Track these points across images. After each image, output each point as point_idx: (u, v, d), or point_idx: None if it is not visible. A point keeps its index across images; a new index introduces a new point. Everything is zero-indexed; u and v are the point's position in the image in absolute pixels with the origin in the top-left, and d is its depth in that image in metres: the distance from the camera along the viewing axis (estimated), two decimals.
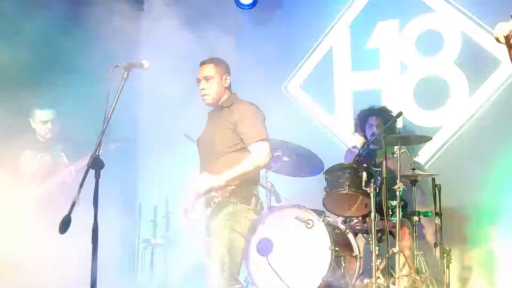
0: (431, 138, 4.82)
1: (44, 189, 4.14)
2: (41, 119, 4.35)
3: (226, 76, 3.71)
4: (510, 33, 2.32)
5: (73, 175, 4.12)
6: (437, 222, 4.63)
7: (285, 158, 4.81)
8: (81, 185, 2.78)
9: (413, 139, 4.78)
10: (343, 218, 4.70)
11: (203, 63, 3.71)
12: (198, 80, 3.67)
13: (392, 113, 4.95)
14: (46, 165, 4.23)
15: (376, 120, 4.98)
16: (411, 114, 5.38)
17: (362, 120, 5.12)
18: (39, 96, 4.42)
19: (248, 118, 3.56)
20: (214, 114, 3.73)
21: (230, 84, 3.74)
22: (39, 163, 4.23)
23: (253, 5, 5.90)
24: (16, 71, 4.50)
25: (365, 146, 4.80)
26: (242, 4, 5.89)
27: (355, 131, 5.24)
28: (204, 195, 3.42)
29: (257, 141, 3.50)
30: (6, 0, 4.71)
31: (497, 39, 2.34)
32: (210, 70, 3.66)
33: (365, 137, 5.07)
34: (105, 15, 4.71)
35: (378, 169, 4.49)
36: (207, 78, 3.64)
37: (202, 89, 3.64)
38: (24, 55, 4.42)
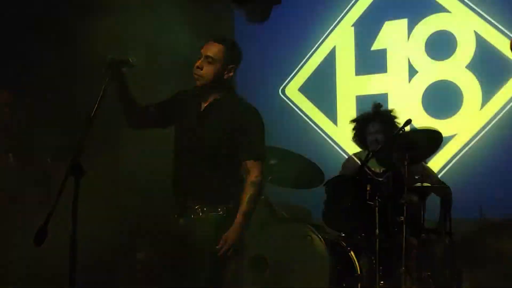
0: (441, 138, 4.75)
1: None
2: None
3: (232, 67, 3.41)
4: None
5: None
6: (447, 241, 4.64)
7: (282, 168, 4.81)
8: (59, 194, 2.76)
9: (421, 146, 4.74)
10: (344, 235, 4.69)
11: (214, 40, 3.41)
12: (200, 56, 3.37)
13: (397, 119, 4.94)
14: None
15: (377, 127, 4.94)
16: (420, 122, 5.38)
17: (362, 125, 5.09)
18: None
19: (254, 129, 3.39)
20: (208, 112, 3.44)
21: (232, 78, 3.45)
22: None
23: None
24: None
25: (369, 156, 4.80)
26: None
27: (354, 138, 5.20)
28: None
29: (256, 158, 3.36)
30: None
31: None
32: (217, 51, 3.36)
33: (365, 146, 5.04)
34: None
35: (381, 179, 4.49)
36: (209, 60, 3.35)
37: (198, 68, 3.34)
38: None
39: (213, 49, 3.37)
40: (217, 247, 3.24)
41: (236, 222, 3.26)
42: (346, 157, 5.52)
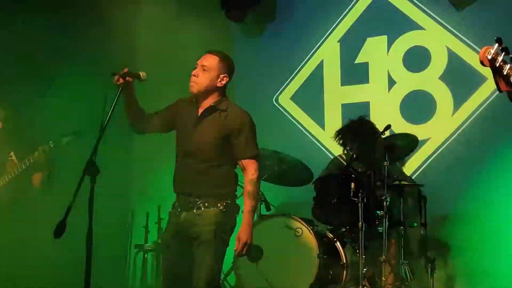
0: (417, 140, 4.77)
1: None
2: None
3: (224, 76, 3.40)
4: (494, 57, 2.33)
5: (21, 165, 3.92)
6: (422, 232, 4.64)
7: (276, 168, 4.81)
8: (76, 191, 2.76)
9: (399, 146, 4.74)
10: (331, 227, 4.69)
11: (209, 52, 3.44)
12: (197, 65, 3.40)
13: (375, 128, 4.90)
14: None
15: (355, 145, 4.84)
16: (398, 127, 5.37)
17: (342, 139, 5.05)
18: None
19: (246, 130, 3.38)
20: (205, 117, 3.41)
21: (226, 86, 3.45)
22: None
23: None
24: None
25: (353, 158, 4.80)
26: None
27: (338, 142, 5.17)
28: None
29: (251, 157, 3.37)
30: None
31: (482, 63, 2.34)
32: (212, 61, 3.38)
33: (348, 149, 5.02)
34: None
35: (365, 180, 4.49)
36: (204, 68, 3.37)
37: (194, 75, 3.37)
38: None
39: (208, 60, 3.40)
40: (233, 248, 3.25)
41: (244, 221, 3.28)
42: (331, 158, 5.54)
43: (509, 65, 2.33)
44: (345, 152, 5.07)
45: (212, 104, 3.41)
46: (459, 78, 5.31)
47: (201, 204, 3.30)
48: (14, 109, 4.14)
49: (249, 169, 3.33)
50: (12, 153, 3.99)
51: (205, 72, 3.37)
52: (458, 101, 5.31)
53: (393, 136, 4.91)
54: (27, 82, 4.62)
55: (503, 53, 2.31)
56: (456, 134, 5.30)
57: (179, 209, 3.39)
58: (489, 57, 2.31)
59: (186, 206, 3.35)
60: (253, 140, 3.42)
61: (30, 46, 4.66)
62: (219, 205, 3.31)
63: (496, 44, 2.31)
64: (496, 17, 5.07)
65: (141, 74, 3.28)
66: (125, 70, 3.18)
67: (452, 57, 5.36)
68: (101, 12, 5.14)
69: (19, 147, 4.03)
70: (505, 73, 2.34)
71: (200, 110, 3.43)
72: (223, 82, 3.41)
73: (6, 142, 4.08)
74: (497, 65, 2.32)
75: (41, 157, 3.85)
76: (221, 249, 3.30)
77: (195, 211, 3.31)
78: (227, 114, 3.39)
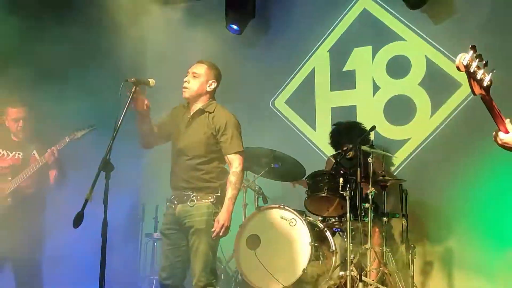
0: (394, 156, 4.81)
1: (14, 183, 3.87)
2: (12, 117, 4.02)
3: (213, 81, 3.48)
4: (469, 63, 2.33)
5: (56, 155, 3.84)
6: (403, 222, 4.65)
7: (272, 165, 4.80)
8: (93, 185, 2.76)
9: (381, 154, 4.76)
10: (322, 218, 4.69)
11: (199, 62, 3.53)
12: (187, 73, 3.49)
13: (363, 127, 4.92)
14: (18, 163, 3.94)
15: (348, 146, 4.82)
16: (382, 128, 5.39)
17: (336, 139, 5.06)
18: (12, 93, 4.13)
19: (231, 129, 3.41)
20: (196, 119, 3.47)
21: (214, 91, 3.52)
22: (12, 161, 3.95)
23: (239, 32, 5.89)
24: None
25: (342, 156, 4.80)
26: (233, 29, 5.88)
27: (330, 144, 5.19)
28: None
29: (236, 152, 3.39)
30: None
31: (458, 68, 2.35)
32: (201, 69, 3.47)
33: (339, 149, 5.02)
34: None
35: (353, 177, 4.48)
36: (194, 75, 3.45)
37: (186, 81, 3.45)
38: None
39: (197, 68, 3.49)
40: (212, 230, 3.25)
41: (225, 206, 3.30)
42: (323, 156, 5.54)
43: (482, 70, 2.33)
44: (336, 151, 5.08)
45: (201, 107, 3.47)
46: (437, 84, 5.31)
47: (194, 197, 3.34)
48: (33, 109, 4.12)
49: (234, 163, 3.38)
50: (35, 151, 3.97)
51: (196, 78, 3.46)
52: (436, 105, 5.31)
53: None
54: (46, 84, 4.60)
55: (477, 59, 2.32)
56: (434, 135, 5.30)
57: (175, 202, 3.41)
58: (465, 63, 2.31)
59: (181, 199, 3.38)
60: (237, 137, 3.45)
61: (49, 51, 4.63)
62: (210, 197, 3.34)
63: (471, 51, 2.31)
64: (469, 30, 5.06)
65: (150, 81, 3.29)
66: (133, 79, 3.17)
67: (430, 65, 5.36)
68: (115, 23, 5.12)
69: (39, 144, 4.01)
70: (479, 77, 2.34)
71: (191, 113, 3.49)
72: (212, 87, 3.50)
73: (27, 139, 4.06)
74: (472, 70, 2.32)
75: (56, 153, 3.84)
76: (215, 239, 3.31)
77: (188, 203, 3.34)
78: (214, 115, 3.44)
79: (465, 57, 2.32)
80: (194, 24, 5.53)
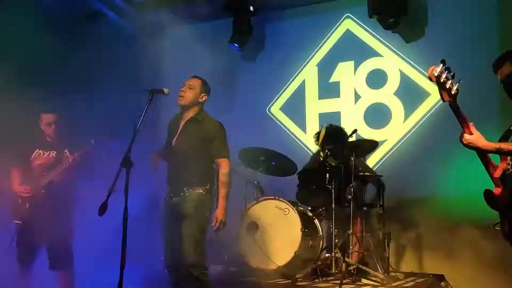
0: (377, 143, 4.76)
1: (48, 177, 3.87)
2: (46, 121, 4.01)
3: (204, 95, 3.52)
4: (439, 74, 2.34)
5: (83, 156, 3.85)
6: (380, 211, 4.64)
7: (268, 162, 4.80)
8: (115, 180, 2.76)
9: (363, 146, 4.74)
10: (311, 208, 4.69)
11: (194, 76, 3.57)
12: (184, 84, 3.51)
13: (345, 132, 4.87)
14: (52, 160, 3.94)
15: (331, 147, 4.74)
16: (363, 131, 5.39)
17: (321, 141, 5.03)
18: (46, 101, 4.11)
19: (218, 136, 3.45)
20: (188, 126, 3.50)
21: (204, 103, 3.55)
22: (47, 159, 3.95)
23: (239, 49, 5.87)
24: (30, 77, 4.28)
25: (328, 154, 4.78)
26: (235, 46, 5.87)
27: (316, 143, 5.16)
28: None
29: (224, 156, 3.42)
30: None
31: (430, 78, 2.36)
32: (196, 83, 3.51)
33: (324, 149, 4.98)
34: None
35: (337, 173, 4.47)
36: (190, 86, 3.48)
37: (182, 91, 3.47)
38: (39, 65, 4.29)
39: (193, 81, 3.52)
40: (212, 224, 3.29)
41: (220, 204, 3.33)
42: (311, 154, 5.52)
43: (450, 80, 2.35)
44: (321, 150, 5.06)
45: (192, 115, 3.48)
46: (409, 94, 5.31)
47: (186, 190, 3.35)
48: (64, 114, 4.13)
49: (223, 166, 3.41)
50: (66, 150, 3.97)
51: (191, 90, 3.48)
52: (408, 111, 5.31)
53: (359, 140, 4.89)
54: (74, 93, 4.60)
55: (446, 71, 2.33)
56: (407, 136, 5.31)
57: (171, 195, 3.44)
58: (436, 74, 2.33)
59: (176, 192, 3.40)
60: (224, 143, 3.48)
61: (76, 64, 4.64)
62: (199, 189, 3.35)
63: (441, 64, 2.33)
64: (436, 48, 5.08)
65: (164, 90, 3.27)
66: (150, 89, 3.18)
67: (404, 77, 5.36)
68: (135, 39, 5.14)
69: (69, 144, 4.01)
70: (447, 86, 2.35)
71: (184, 121, 3.51)
72: (203, 99, 3.53)
73: (59, 140, 4.06)
74: (442, 80, 2.34)
75: (84, 152, 3.85)
76: (203, 222, 3.32)
77: (182, 194, 3.36)
78: (203, 123, 3.47)
79: (436, 69, 2.34)
80: (202, 41, 5.54)
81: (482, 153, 2.57)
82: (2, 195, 3.93)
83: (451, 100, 2.38)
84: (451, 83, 2.34)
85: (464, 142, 2.48)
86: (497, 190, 2.65)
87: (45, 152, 4.01)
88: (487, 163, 2.63)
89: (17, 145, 4.01)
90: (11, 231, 3.85)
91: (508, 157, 2.64)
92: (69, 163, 3.88)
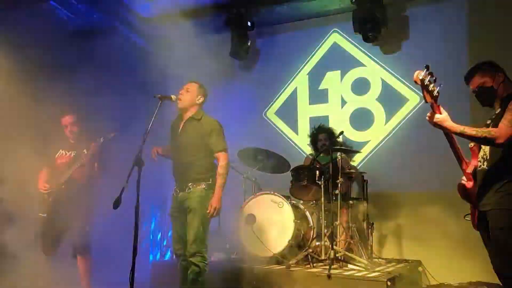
0: (360, 151, 4.84)
1: (67, 174, 3.91)
2: (66, 123, 4.06)
3: (201, 97, 3.47)
4: (423, 78, 2.33)
5: (88, 156, 3.89)
6: (364, 205, 4.66)
7: (265, 161, 4.81)
8: (128, 177, 2.75)
9: (349, 151, 4.79)
10: (303, 201, 4.70)
11: (191, 81, 3.53)
12: (182, 87, 3.49)
13: (335, 131, 4.94)
14: (72, 159, 3.99)
15: (324, 136, 4.96)
16: (349, 133, 5.40)
17: (315, 135, 5.09)
18: (67, 105, 4.13)
19: (215, 132, 3.40)
20: (187, 125, 3.46)
21: (202, 104, 3.50)
22: (68, 158, 4.01)
23: None
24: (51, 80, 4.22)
25: (318, 154, 4.80)
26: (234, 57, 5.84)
27: (310, 143, 5.21)
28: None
29: (221, 150, 3.37)
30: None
31: (416, 82, 2.37)
32: (193, 86, 3.48)
33: (316, 148, 5.04)
34: None
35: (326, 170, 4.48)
36: (187, 90, 3.46)
37: (181, 94, 3.44)
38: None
39: (190, 85, 3.49)
40: (204, 209, 3.24)
41: (216, 192, 3.29)
42: (303, 154, 5.54)
43: (433, 84, 2.36)
44: (313, 150, 5.08)
45: (191, 115, 3.45)
46: (390, 99, 5.33)
47: (191, 185, 3.32)
48: (81, 117, 4.16)
49: (221, 159, 3.36)
50: (85, 150, 3.98)
51: (188, 93, 3.46)
52: (389, 115, 5.33)
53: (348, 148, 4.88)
54: (88, 95, 4.58)
55: (429, 75, 2.35)
56: (388, 137, 5.32)
57: (177, 190, 3.41)
58: (420, 77, 2.34)
59: (182, 188, 3.37)
60: (221, 138, 3.42)
61: (90, 71, 4.63)
62: (202, 184, 3.32)
63: (425, 69, 2.35)
64: (413, 59, 5.10)
65: (172, 97, 3.29)
66: (159, 95, 3.18)
67: (385, 85, 5.38)
68: (143, 49, 5.10)
69: (87, 143, 4.02)
70: (430, 89, 2.36)
71: (183, 121, 3.48)
72: (200, 100, 3.49)
73: (78, 140, 4.08)
74: (425, 83, 2.35)
75: (95, 149, 3.87)
76: (206, 215, 3.28)
77: (187, 190, 3.33)
78: (202, 121, 3.43)
79: (421, 73, 2.35)
80: (205, 53, 5.54)
81: (453, 146, 2.55)
82: (30, 192, 3.95)
83: (433, 102, 2.40)
84: (433, 86, 2.36)
85: (434, 121, 2.46)
86: (468, 184, 2.66)
87: (67, 152, 4.05)
88: (460, 160, 2.64)
89: (46, 147, 4.06)
90: (37, 223, 3.87)
91: (479, 155, 2.65)
92: (85, 159, 3.89)
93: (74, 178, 3.91)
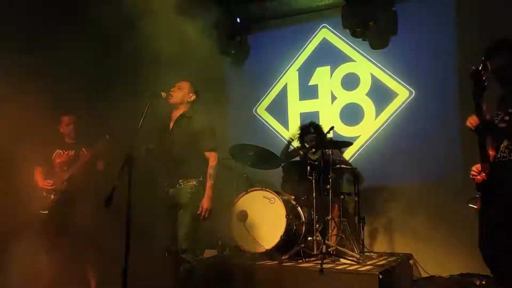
0: (352, 143, 4.84)
1: (68, 173, 3.94)
2: (65, 123, 4.08)
3: (192, 95, 3.47)
4: (481, 72, 2.27)
5: (88, 155, 3.92)
6: (356, 199, 4.68)
7: (256, 157, 4.80)
8: (118, 176, 2.73)
9: (340, 144, 4.78)
10: (294, 197, 4.70)
11: (184, 80, 3.53)
12: (174, 85, 3.47)
13: (323, 129, 4.90)
14: (71, 158, 4.01)
15: (310, 137, 4.81)
16: (339, 128, 5.41)
17: (301, 138, 5.05)
18: (63, 106, 4.12)
19: (207, 131, 3.38)
20: (178, 122, 3.43)
21: (193, 102, 3.48)
22: (67, 157, 4.02)
23: None
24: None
25: (308, 150, 4.81)
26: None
27: (298, 140, 5.16)
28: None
29: (212, 150, 3.36)
30: None
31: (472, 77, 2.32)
32: (184, 84, 3.48)
33: (305, 144, 4.98)
34: None
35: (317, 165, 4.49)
36: (179, 87, 3.45)
37: (172, 91, 3.43)
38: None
39: (182, 83, 3.49)
40: (197, 212, 3.22)
41: (206, 193, 3.27)
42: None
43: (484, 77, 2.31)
44: (301, 145, 5.06)
45: (182, 113, 3.44)
46: (379, 95, 5.35)
47: (181, 182, 3.31)
48: (79, 116, 4.16)
49: (211, 159, 3.34)
50: (83, 148, 4.00)
51: (180, 90, 3.45)
52: (379, 110, 5.35)
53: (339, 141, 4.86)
54: (88, 96, 4.54)
55: (483, 70, 2.30)
56: (377, 133, 5.34)
57: (168, 186, 3.38)
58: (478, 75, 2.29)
59: (172, 184, 3.34)
60: (212, 137, 3.40)
61: (88, 73, 4.56)
62: (193, 181, 3.31)
63: (482, 64, 2.30)
64: (402, 54, 5.13)
65: (162, 94, 3.27)
66: (148, 92, 3.15)
67: (374, 80, 5.40)
68: (136, 48, 5.03)
69: (85, 142, 4.03)
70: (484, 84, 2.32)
71: (174, 118, 3.46)
72: (191, 99, 3.47)
73: (76, 140, 4.09)
74: (483, 79, 2.30)
75: (102, 147, 3.88)
76: (196, 211, 3.26)
77: (177, 186, 3.31)
78: (192, 119, 3.40)
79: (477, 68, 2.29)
80: (197, 50, 5.50)
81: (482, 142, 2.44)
82: (28, 190, 3.93)
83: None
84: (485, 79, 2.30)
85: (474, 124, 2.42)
86: (482, 176, 2.53)
87: (64, 151, 4.07)
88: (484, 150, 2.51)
89: (40, 147, 4.02)
90: (37, 220, 3.86)
91: (502, 145, 2.52)
92: (86, 159, 3.93)
93: (75, 176, 3.95)
